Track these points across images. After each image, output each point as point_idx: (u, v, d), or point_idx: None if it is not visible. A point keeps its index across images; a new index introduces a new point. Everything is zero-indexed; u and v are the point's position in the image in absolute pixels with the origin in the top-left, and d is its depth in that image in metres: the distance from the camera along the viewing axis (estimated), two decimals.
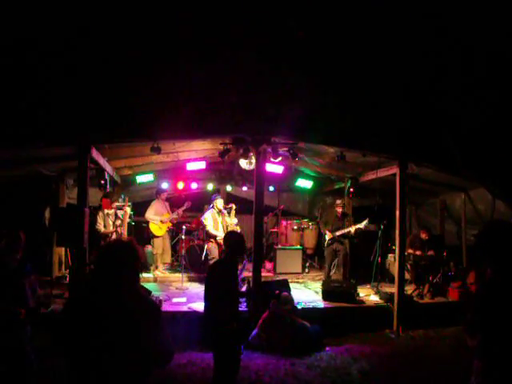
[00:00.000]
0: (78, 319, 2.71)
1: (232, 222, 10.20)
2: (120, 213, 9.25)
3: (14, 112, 6.50)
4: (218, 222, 10.01)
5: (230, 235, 5.35)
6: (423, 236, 10.14)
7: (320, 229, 11.43)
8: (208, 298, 4.96)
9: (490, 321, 2.85)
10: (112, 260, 2.81)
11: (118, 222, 9.17)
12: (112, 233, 9.05)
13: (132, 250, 2.88)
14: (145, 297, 3.00)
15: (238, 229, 10.25)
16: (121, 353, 2.64)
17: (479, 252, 3.15)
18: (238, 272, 9.56)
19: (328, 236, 10.58)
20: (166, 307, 7.85)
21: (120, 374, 2.64)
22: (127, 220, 9.47)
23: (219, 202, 10.11)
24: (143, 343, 2.69)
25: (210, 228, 9.93)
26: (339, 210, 10.61)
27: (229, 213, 10.26)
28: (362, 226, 10.18)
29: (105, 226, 9.04)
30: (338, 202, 10.76)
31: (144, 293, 2.98)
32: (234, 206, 10.40)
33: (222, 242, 9.67)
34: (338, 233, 10.42)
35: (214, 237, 9.94)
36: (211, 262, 9.99)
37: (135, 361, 2.67)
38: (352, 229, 10.25)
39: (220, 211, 10.08)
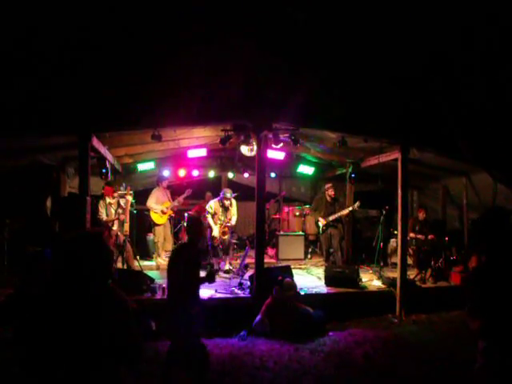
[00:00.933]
0: (37, 320, 2.50)
1: (231, 222, 10.28)
2: (122, 201, 9.24)
3: (15, 101, 6.49)
4: (219, 214, 10.07)
5: (189, 220, 5.40)
6: (420, 215, 10.18)
7: (314, 217, 11.43)
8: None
9: (485, 304, 2.87)
10: (74, 256, 2.57)
11: (120, 211, 9.16)
12: (114, 221, 9.04)
13: (98, 245, 2.66)
14: (113, 295, 2.65)
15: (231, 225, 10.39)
16: (83, 354, 2.46)
17: (474, 238, 3.25)
18: (241, 258, 9.68)
19: (321, 222, 10.64)
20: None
21: (86, 374, 2.47)
22: (129, 208, 9.46)
23: (228, 192, 10.20)
24: (108, 342, 2.51)
25: (209, 217, 10.00)
26: (331, 193, 10.67)
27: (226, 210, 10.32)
28: (354, 207, 10.25)
29: (107, 215, 9.03)
30: (327, 186, 10.83)
31: (115, 290, 2.66)
32: (235, 203, 10.49)
33: (217, 236, 9.91)
34: (331, 218, 10.46)
35: (211, 228, 10.08)
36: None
37: (100, 361, 2.52)
38: (345, 212, 10.31)
39: (226, 200, 10.10)
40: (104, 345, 2.51)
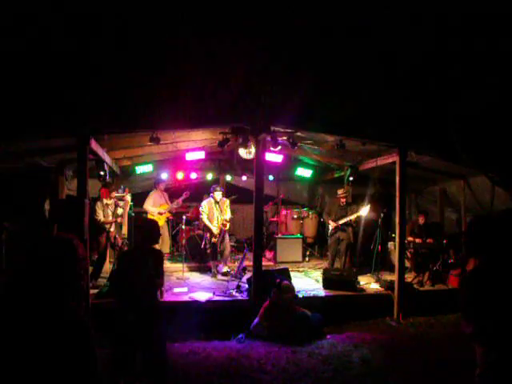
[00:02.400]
0: None
1: (226, 217, 10.26)
2: (121, 203, 9.24)
3: (14, 104, 6.49)
4: (214, 212, 10.09)
5: (141, 222, 5.32)
6: (420, 220, 10.17)
7: (323, 219, 11.43)
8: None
9: (479, 307, 2.88)
10: (40, 265, 2.23)
11: (120, 212, 9.15)
12: (112, 223, 9.03)
13: (69, 253, 2.31)
14: (73, 318, 2.25)
15: (228, 225, 10.40)
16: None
17: (467, 243, 3.22)
18: (239, 261, 9.68)
19: (332, 225, 10.60)
20: (167, 297, 7.89)
21: None
22: (128, 210, 9.47)
23: (217, 195, 10.20)
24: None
25: (205, 218, 10.07)
26: (343, 199, 10.61)
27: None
28: (362, 213, 10.19)
29: (104, 216, 9.02)
30: (340, 192, 10.72)
31: (77, 312, 2.25)
32: (228, 202, 10.50)
33: (217, 235, 9.87)
34: (341, 221, 10.43)
35: (209, 228, 10.08)
36: (209, 250, 10.16)
37: None
38: (352, 217, 10.26)
39: (217, 202, 10.15)
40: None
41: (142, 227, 5.12)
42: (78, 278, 2.35)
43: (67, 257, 2.30)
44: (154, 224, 5.18)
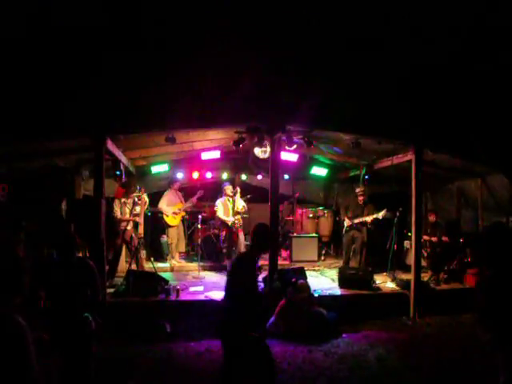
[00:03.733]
0: None
1: (238, 205, 10.27)
2: (138, 202, 9.26)
3: (32, 106, 6.57)
4: (228, 208, 10.15)
5: (255, 227, 4.94)
6: (431, 218, 10.09)
7: (339, 215, 11.41)
8: (227, 297, 4.63)
9: (497, 315, 2.85)
10: None
11: (137, 210, 9.19)
12: (129, 221, 9.07)
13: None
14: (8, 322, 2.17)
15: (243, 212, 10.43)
16: None
17: (478, 253, 3.26)
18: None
19: (346, 223, 10.60)
20: (183, 296, 7.92)
21: None
22: (145, 209, 9.51)
23: (228, 189, 10.30)
24: None
25: (221, 214, 10.12)
26: (361, 198, 10.59)
27: (235, 194, 10.36)
28: (379, 216, 10.15)
29: (121, 214, 9.05)
30: (358, 190, 10.72)
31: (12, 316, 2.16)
32: (238, 189, 10.54)
33: (233, 226, 9.98)
34: (356, 220, 10.40)
35: (225, 223, 10.18)
36: (225, 250, 10.16)
37: None
38: (368, 218, 10.22)
39: (230, 197, 10.20)
40: None
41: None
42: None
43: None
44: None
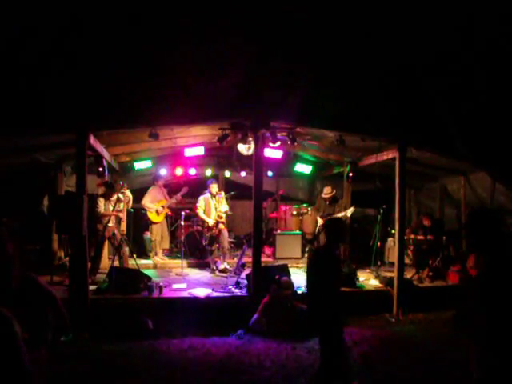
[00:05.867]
0: None
1: (222, 209, 10.27)
2: (122, 197, 9.18)
3: (12, 100, 6.46)
4: (210, 206, 10.13)
5: (327, 224, 5.27)
6: (426, 223, 10.12)
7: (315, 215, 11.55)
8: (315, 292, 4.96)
9: (489, 309, 2.83)
10: None
11: (121, 206, 9.11)
12: (111, 216, 8.98)
13: None
14: None
15: (223, 217, 10.38)
16: None
17: (469, 240, 3.22)
18: (238, 258, 9.67)
19: (319, 222, 10.80)
20: (166, 293, 7.87)
21: None
22: (129, 205, 9.45)
23: (213, 187, 10.23)
24: None
25: (201, 212, 10.12)
26: (325, 196, 10.90)
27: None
28: (348, 213, 10.47)
29: (104, 209, 8.97)
30: (325, 191, 11.01)
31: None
32: (223, 194, 10.62)
33: (213, 226, 9.97)
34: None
35: (205, 221, 10.15)
36: (208, 247, 10.14)
37: None
38: (339, 215, 10.38)
39: (214, 196, 10.17)
40: None
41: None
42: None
43: None
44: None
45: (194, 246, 11.34)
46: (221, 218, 10.16)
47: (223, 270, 9.98)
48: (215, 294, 7.92)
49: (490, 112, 7.59)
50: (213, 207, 10.14)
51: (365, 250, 10.75)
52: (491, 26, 7.14)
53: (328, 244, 5.06)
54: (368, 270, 10.27)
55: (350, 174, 10.91)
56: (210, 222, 10.04)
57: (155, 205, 10.87)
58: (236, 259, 10.28)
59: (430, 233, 9.90)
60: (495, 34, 7.17)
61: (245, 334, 6.84)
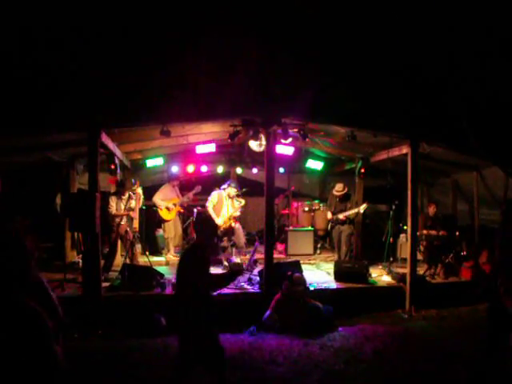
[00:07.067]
0: None
1: (234, 213, 10.28)
2: (133, 196, 9.23)
3: (25, 100, 6.50)
4: (223, 204, 10.14)
5: (198, 220, 4.97)
6: (430, 210, 10.10)
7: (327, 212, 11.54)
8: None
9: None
10: None
11: (132, 205, 9.15)
12: (123, 215, 9.04)
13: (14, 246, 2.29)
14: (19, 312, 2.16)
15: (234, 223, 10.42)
16: None
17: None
18: (250, 254, 9.68)
19: (329, 216, 10.89)
20: None
21: None
22: (140, 203, 9.49)
23: (231, 191, 10.22)
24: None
25: (210, 207, 10.07)
26: (337, 193, 10.86)
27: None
28: (360, 210, 10.47)
29: (116, 209, 9.03)
30: (337, 187, 10.96)
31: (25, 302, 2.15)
32: (242, 202, 10.65)
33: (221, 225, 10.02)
34: (340, 215, 10.61)
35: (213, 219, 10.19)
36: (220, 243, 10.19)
37: None
38: (351, 213, 10.47)
39: (231, 198, 10.18)
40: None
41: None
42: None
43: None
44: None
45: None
46: (229, 221, 10.15)
47: None
48: (227, 291, 7.93)
49: (502, 106, 7.53)
50: (225, 207, 10.12)
51: (377, 246, 10.71)
52: (506, 20, 7.08)
53: (195, 243, 4.74)
54: (380, 266, 10.23)
55: (362, 170, 10.89)
56: (217, 220, 10.04)
57: (166, 202, 10.89)
58: (248, 256, 10.29)
59: (441, 227, 9.83)
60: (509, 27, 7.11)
61: (257, 330, 6.84)
